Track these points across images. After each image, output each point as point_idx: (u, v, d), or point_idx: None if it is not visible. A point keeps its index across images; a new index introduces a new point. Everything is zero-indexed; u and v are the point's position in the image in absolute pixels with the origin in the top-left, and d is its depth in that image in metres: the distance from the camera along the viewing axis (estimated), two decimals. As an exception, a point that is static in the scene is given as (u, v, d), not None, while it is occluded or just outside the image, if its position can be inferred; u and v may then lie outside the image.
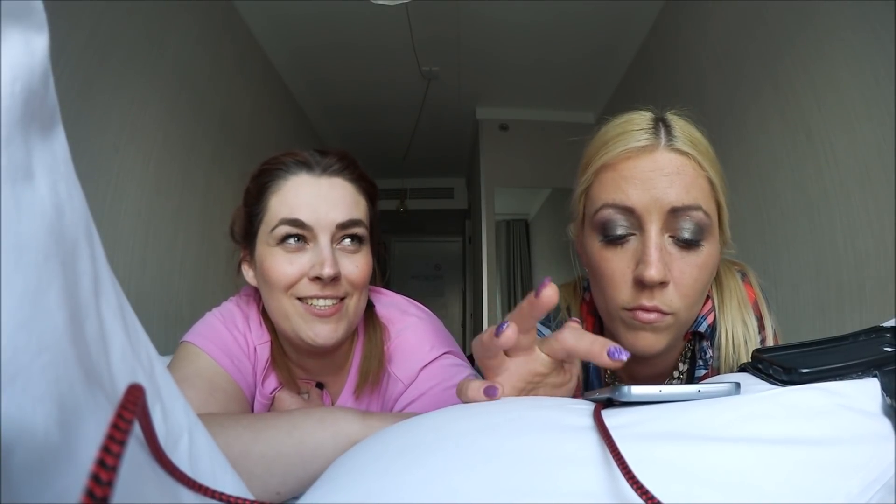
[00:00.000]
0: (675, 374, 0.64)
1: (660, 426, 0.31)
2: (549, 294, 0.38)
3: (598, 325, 0.65)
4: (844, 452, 0.28)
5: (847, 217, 1.24)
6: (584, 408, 0.35)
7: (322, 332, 0.63)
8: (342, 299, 0.64)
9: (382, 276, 0.78)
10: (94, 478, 0.15)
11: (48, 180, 0.20)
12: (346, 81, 2.97)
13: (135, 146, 1.53)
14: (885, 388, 0.32)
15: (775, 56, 1.53)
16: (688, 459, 0.27)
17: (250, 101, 2.42)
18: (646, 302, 0.51)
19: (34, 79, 0.19)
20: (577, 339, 0.40)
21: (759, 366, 0.39)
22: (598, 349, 0.38)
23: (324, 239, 0.62)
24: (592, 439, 0.29)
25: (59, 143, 0.22)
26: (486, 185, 3.29)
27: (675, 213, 0.50)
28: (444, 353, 0.70)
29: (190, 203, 1.84)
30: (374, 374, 0.69)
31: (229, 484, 0.31)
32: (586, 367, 0.66)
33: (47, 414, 0.16)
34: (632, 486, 0.23)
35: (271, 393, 0.71)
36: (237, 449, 0.47)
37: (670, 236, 0.51)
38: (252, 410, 0.72)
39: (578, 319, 0.42)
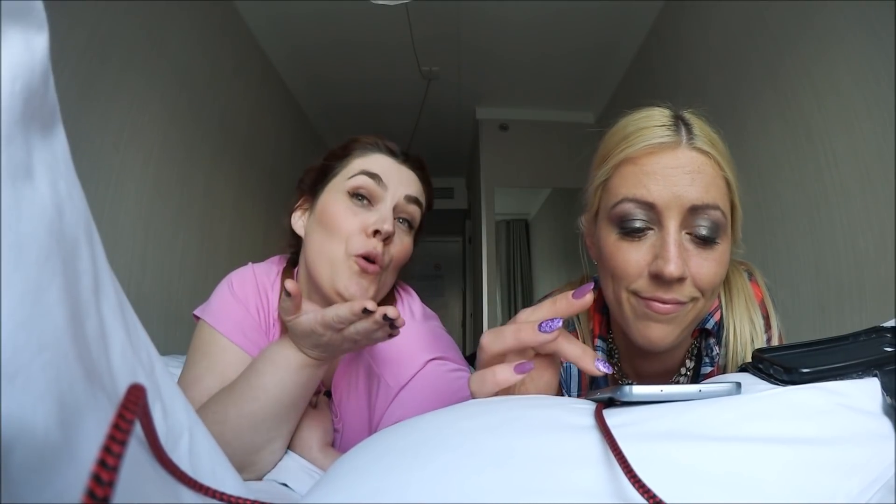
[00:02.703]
0: (682, 370, 0.64)
1: (661, 425, 0.31)
2: (589, 300, 0.42)
3: (604, 322, 0.66)
4: (845, 452, 0.28)
5: (847, 217, 1.24)
6: (586, 407, 0.35)
7: (356, 287, 0.65)
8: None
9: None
10: (95, 478, 0.15)
11: (48, 179, 0.20)
12: (346, 81, 2.97)
13: (135, 146, 1.52)
14: (885, 387, 0.32)
15: (775, 57, 1.53)
16: (689, 458, 0.27)
17: (250, 101, 2.42)
18: (662, 294, 0.51)
19: (34, 78, 0.19)
20: (568, 342, 0.42)
21: (760, 365, 0.39)
22: (588, 358, 0.40)
23: (388, 204, 0.68)
24: (594, 439, 0.29)
25: (59, 142, 0.22)
26: (486, 185, 3.29)
27: (694, 211, 0.51)
28: (437, 359, 0.69)
29: (190, 203, 1.84)
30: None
31: (230, 483, 0.31)
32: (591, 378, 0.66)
33: (47, 412, 0.16)
34: (634, 485, 0.23)
35: None
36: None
37: (687, 233, 0.52)
38: None
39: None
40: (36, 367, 0.16)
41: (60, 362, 0.18)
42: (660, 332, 0.52)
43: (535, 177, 3.35)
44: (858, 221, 1.20)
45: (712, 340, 0.60)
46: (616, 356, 0.66)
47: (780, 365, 0.36)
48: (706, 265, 0.51)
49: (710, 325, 0.60)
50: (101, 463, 0.15)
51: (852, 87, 1.24)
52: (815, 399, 0.32)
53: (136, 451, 0.22)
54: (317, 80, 2.94)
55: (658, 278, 0.50)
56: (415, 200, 0.71)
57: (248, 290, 0.73)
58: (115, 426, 0.16)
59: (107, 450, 0.15)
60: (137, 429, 0.23)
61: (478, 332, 3.55)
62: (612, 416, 0.32)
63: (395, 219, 0.69)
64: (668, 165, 0.51)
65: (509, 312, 3.95)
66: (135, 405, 0.18)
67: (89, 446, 0.18)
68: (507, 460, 0.28)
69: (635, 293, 0.53)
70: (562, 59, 2.74)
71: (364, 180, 0.68)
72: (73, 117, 1.25)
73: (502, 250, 4.58)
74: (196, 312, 0.72)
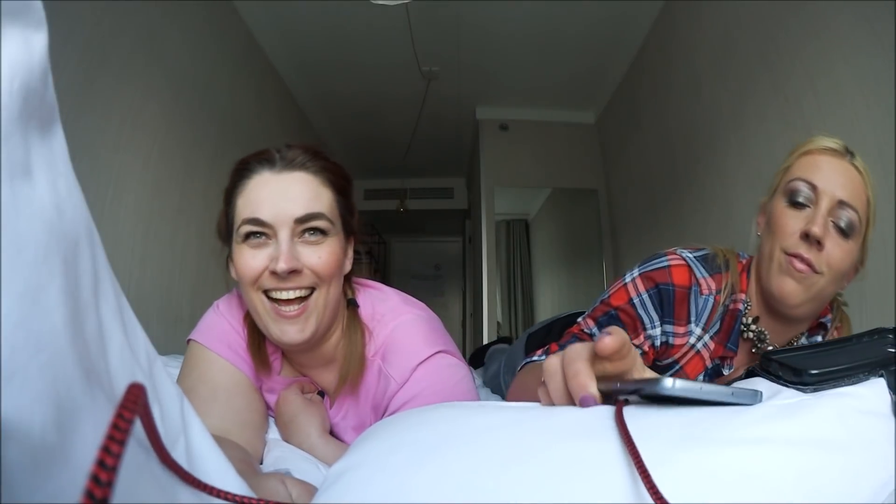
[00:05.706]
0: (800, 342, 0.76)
1: (678, 430, 0.31)
2: (608, 343, 0.37)
3: (748, 281, 0.77)
4: (858, 454, 0.28)
5: (848, 217, 1.24)
6: (606, 408, 0.35)
7: (289, 332, 0.64)
8: (307, 297, 0.65)
9: (375, 270, 0.78)
10: (94, 478, 0.14)
11: (47, 178, 0.20)
12: (346, 81, 2.97)
13: (134, 146, 1.52)
14: (891, 386, 0.33)
15: (775, 56, 1.53)
16: (704, 462, 0.28)
17: (250, 101, 2.42)
18: (804, 252, 0.66)
19: (33, 77, 0.19)
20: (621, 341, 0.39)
21: (769, 368, 0.39)
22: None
23: (283, 234, 0.64)
24: (613, 440, 0.29)
25: (58, 141, 0.22)
26: (486, 185, 3.29)
27: (840, 205, 0.67)
28: (438, 353, 0.69)
29: (190, 203, 1.84)
30: (353, 377, 0.70)
31: (230, 482, 0.31)
32: (723, 320, 0.75)
33: (44, 415, 0.16)
34: (648, 489, 0.23)
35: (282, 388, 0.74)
36: None
37: (832, 221, 0.67)
38: (262, 395, 0.75)
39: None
40: (34, 367, 0.16)
41: (58, 363, 0.17)
42: (791, 287, 0.67)
43: (535, 177, 3.35)
44: (859, 221, 1.20)
45: (821, 335, 0.75)
46: (747, 315, 0.76)
47: (789, 367, 0.37)
48: (836, 250, 0.66)
49: (827, 322, 0.75)
50: (100, 463, 0.15)
51: (852, 86, 1.24)
52: (829, 403, 0.32)
53: (134, 453, 0.22)
54: (316, 79, 2.94)
55: (806, 237, 0.66)
56: (310, 217, 0.65)
57: (234, 310, 0.75)
58: (114, 426, 0.16)
59: (105, 450, 0.15)
60: (135, 430, 0.23)
61: (478, 331, 3.55)
62: (632, 419, 0.31)
63: (298, 239, 0.65)
64: (832, 167, 0.69)
65: (509, 312, 3.94)
66: (134, 404, 0.18)
67: (85, 448, 0.18)
68: (525, 460, 0.28)
69: (785, 251, 0.68)
70: (562, 58, 2.74)
71: (248, 229, 0.64)
72: (73, 117, 1.25)
73: (502, 250, 4.57)
74: (188, 337, 0.74)
